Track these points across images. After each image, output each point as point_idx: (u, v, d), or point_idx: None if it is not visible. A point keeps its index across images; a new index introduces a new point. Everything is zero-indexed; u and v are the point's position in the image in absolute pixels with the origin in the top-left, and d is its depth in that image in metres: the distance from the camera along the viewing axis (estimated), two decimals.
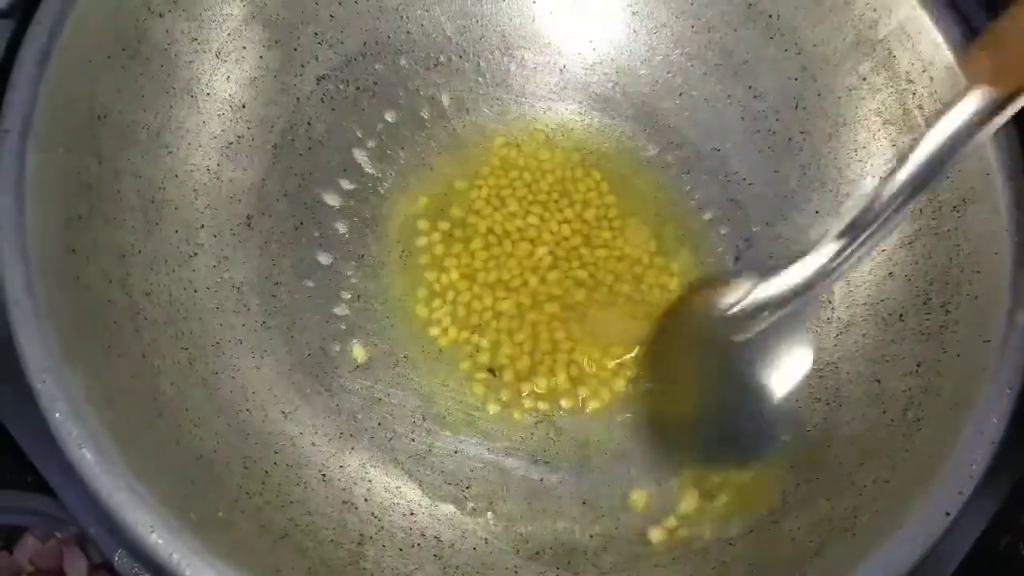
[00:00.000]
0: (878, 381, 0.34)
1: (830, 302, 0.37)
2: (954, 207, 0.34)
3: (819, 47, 0.38)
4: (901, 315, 0.35)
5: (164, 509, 0.26)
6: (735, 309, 0.35)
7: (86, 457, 0.26)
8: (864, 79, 0.37)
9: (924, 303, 0.34)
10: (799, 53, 0.39)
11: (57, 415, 0.27)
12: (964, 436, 0.29)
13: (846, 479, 0.32)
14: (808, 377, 0.36)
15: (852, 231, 0.31)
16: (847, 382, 0.35)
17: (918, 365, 0.33)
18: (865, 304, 0.36)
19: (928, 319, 0.34)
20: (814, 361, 0.36)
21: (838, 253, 0.32)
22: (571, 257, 0.40)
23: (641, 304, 0.39)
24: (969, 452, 0.29)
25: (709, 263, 0.40)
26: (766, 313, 0.35)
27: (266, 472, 0.32)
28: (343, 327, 0.38)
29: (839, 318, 0.37)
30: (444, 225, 0.40)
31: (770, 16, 0.39)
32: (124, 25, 0.34)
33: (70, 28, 0.32)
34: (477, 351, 0.38)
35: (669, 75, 0.42)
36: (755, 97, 0.40)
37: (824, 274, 0.33)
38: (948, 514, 0.28)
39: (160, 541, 0.26)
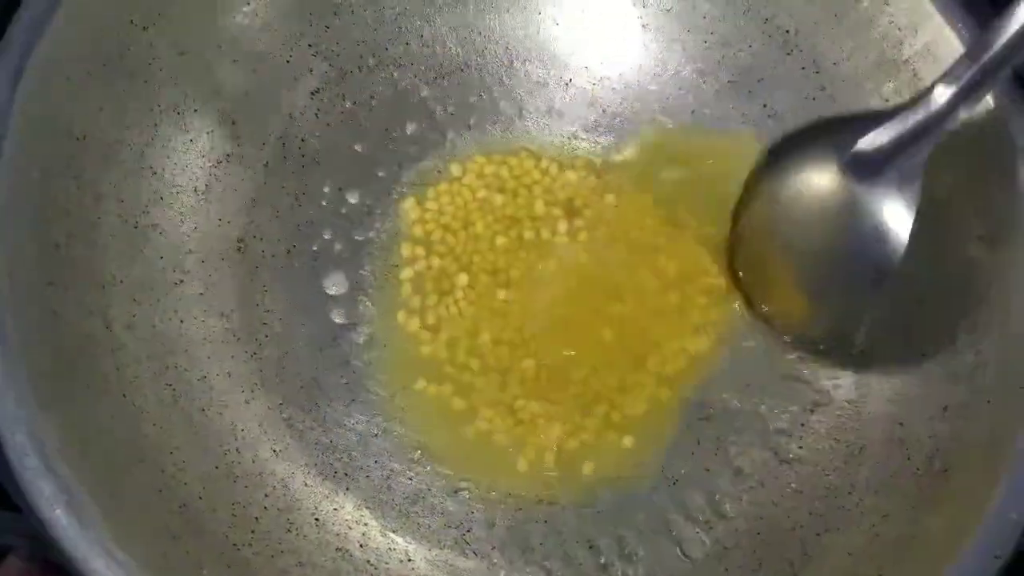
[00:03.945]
0: (901, 424, 0.32)
1: None
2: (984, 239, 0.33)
3: (839, 66, 0.37)
4: (925, 353, 0.33)
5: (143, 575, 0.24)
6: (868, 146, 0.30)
7: (60, 519, 0.24)
8: (887, 101, 0.36)
9: (951, 342, 0.32)
10: (818, 72, 0.37)
11: (28, 472, 0.25)
12: (998, 491, 0.27)
13: (869, 531, 0.30)
14: (825, 416, 0.34)
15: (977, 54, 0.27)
16: (867, 423, 0.33)
17: (944, 409, 0.31)
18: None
19: (955, 359, 0.32)
20: (832, 399, 0.35)
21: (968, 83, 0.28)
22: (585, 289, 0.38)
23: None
24: (1004, 510, 0.27)
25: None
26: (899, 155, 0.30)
27: (256, 519, 0.31)
28: (337, 356, 0.36)
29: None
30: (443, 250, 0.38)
31: (787, 32, 0.38)
32: (105, 40, 0.32)
33: (46, 45, 0.30)
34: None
35: (681, 91, 0.40)
36: (770, 117, 0.39)
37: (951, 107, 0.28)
38: None
39: None
